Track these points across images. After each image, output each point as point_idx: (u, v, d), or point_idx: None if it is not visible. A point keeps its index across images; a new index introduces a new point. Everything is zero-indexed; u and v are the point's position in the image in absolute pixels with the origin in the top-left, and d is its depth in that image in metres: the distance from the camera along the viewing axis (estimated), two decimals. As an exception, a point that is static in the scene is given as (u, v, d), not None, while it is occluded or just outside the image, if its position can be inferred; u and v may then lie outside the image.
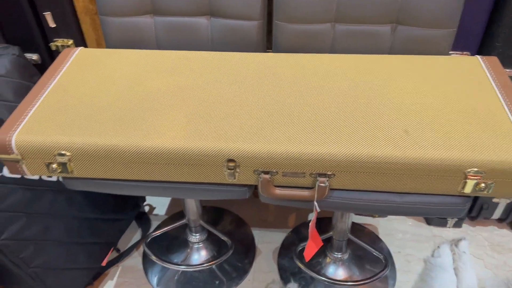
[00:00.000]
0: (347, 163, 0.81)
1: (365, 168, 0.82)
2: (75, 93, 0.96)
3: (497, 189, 0.82)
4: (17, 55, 1.14)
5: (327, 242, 1.37)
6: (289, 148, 0.82)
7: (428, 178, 0.82)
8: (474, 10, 1.13)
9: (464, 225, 1.52)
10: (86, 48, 1.10)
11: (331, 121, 0.87)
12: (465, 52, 1.11)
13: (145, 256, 1.45)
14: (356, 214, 1.57)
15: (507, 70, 1.18)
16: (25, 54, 1.26)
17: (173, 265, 1.38)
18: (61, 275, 1.20)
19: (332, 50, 1.13)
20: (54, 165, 0.88)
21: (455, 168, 0.80)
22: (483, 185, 0.81)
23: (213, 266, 1.40)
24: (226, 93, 0.95)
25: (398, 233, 1.51)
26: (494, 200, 1.40)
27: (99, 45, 1.32)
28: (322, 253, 1.39)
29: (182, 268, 1.39)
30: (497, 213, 1.45)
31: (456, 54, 1.10)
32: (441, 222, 1.51)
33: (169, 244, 1.47)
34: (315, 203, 0.88)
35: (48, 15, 1.22)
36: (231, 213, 1.58)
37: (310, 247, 0.98)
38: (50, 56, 1.32)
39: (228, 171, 0.85)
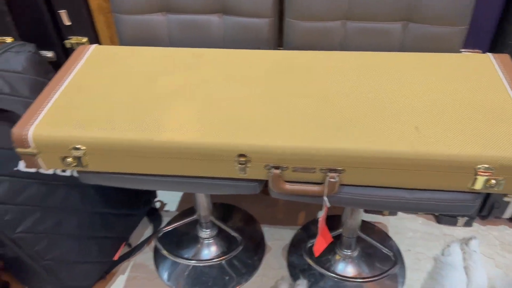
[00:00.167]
0: (357, 159, 0.82)
1: (375, 164, 0.82)
2: (90, 89, 0.97)
3: (507, 186, 0.82)
4: (33, 52, 1.16)
5: (337, 239, 1.38)
6: (299, 144, 0.83)
7: (438, 174, 0.83)
8: (485, 7, 1.12)
9: (474, 224, 1.51)
10: (100, 45, 1.12)
11: (342, 117, 0.87)
12: (476, 50, 1.11)
13: (156, 252, 1.47)
14: (366, 212, 1.57)
15: (519, 68, 1.17)
16: (40, 51, 1.29)
17: (184, 260, 1.40)
18: (74, 268, 1.22)
19: (343, 47, 1.13)
20: (70, 159, 0.90)
21: (465, 164, 0.80)
22: (493, 181, 0.81)
23: (223, 262, 1.41)
24: (237, 89, 0.96)
25: (408, 232, 1.50)
26: (505, 199, 1.40)
27: (112, 43, 1.34)
28: (331, 250, 1.40)
29: (193, 263, 1.41)
30: (508, 212, 1.44)
31: (467, 51, 1.10)
32: (451, 221, 1.50)
33: (180, 239, 1.48)
34: (325, 198, 0.89)
35: (63, 13, 1.25)
36: (241, 210, 1.60)
37: (320, 242, 0.99)
38: (65, 54, 1.34)
39: (239, 165, 0.87)
